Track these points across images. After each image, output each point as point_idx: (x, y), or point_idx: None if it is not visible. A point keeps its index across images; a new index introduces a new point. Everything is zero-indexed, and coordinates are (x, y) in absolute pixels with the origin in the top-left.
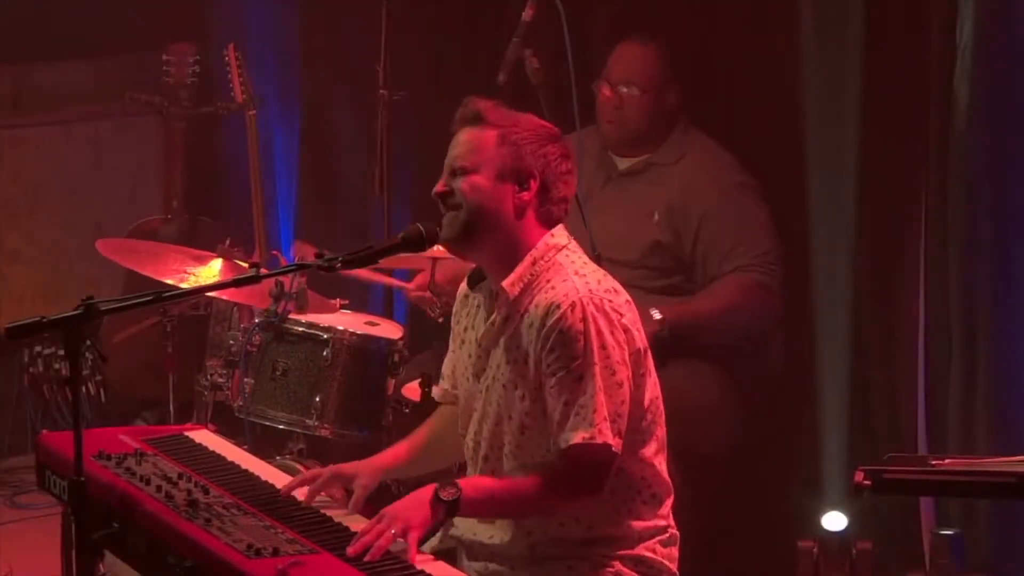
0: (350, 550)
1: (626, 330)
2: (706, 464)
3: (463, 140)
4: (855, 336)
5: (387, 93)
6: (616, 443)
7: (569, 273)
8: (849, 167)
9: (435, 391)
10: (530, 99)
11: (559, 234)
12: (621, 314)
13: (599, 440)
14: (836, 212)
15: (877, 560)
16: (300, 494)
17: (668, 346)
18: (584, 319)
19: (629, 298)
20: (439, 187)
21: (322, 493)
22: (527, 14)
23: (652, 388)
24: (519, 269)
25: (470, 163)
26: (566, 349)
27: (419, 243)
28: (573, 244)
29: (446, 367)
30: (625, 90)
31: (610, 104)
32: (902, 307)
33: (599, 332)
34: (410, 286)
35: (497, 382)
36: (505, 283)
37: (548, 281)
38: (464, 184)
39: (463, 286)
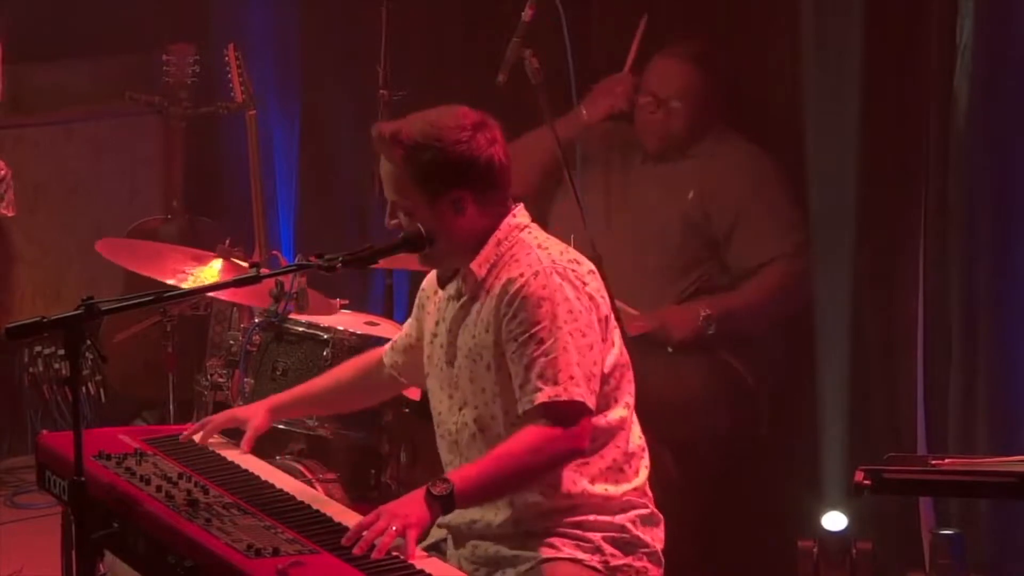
0: (355, 549)
1: (591, 296)
2: (703, 463)
3: (383, 172)
4: (855, 336)
5: (387, 93)
6: (590, 399)
7: (532, 247)
8: (849, 167)
9: (386, 355)
10: (530, 99)
11: (520, 214)
12: (585, 282)
13: (564, 397)
14: (836, 212)
15: (877, 560)
16: (197, 438)
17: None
18: (547, 286)
19: (593, 268)
20: (389, 220)
21: (321, 490)
22: (527, 14)
23: (617, 356)
24: (485, 251)
25: (400, 203)
26: (528, 314)
27: (419, 243)
28: (534, 225)
29: (400, 341)
30: (673, 104)
31: (656, 118)
32: (902, 307)
33: (565, 298)
34: None
35: (467, 360)
36: (473, 265)
37: (512, 257)
38: (407, 223)
39: (430, 280)
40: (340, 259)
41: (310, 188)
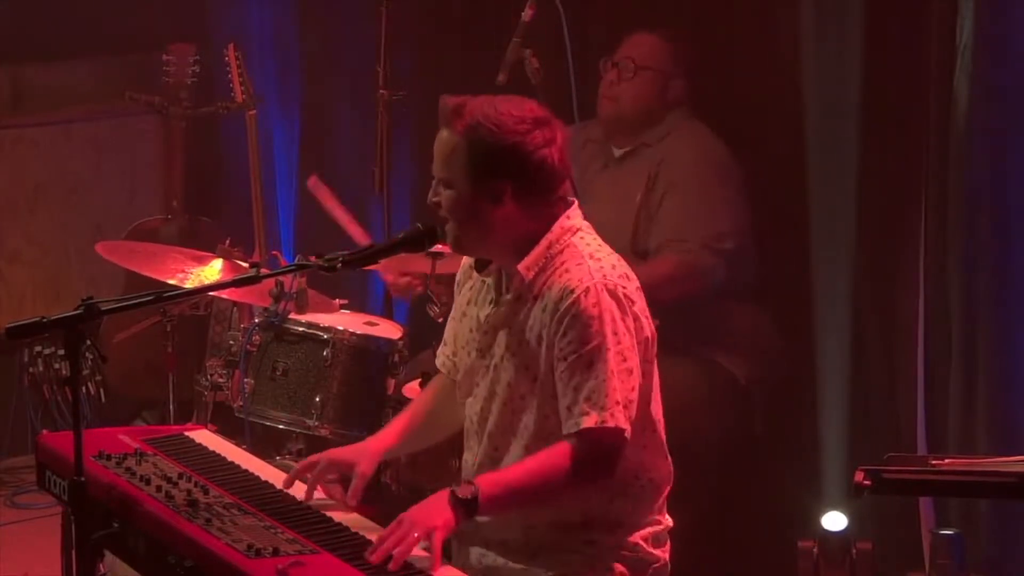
0: (372, 558)
1: (636, 318)
2: (702, 464)
3: (437, 143)
4: (855, 336)
5: (387, 93)
6: (628, 427)
7: (584, 256)
8: (849, 167)
9: (438, 358)
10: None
11: (574, 215)
12: (633, 301)
13: (611, 424)
14: (836, 212)
15: (877, 560)
16: (299, 489)
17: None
18: (598, 304)
19: (639, 284)
20: (431, 197)
21: (322, 492)
22: (527, 14)
23: (656, 376)
24: (535, 253)
25: (445, 175)
26: (578, 333)
27: (419, 243)
28: (587, 226)
29: (448, 333)
30: (625, 66)
31: (608, 80)
32: (902, 307)
33: (612, 318)
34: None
35: (507, 363)
36: (520, 266)
37: (562, 263)
38: (445, 199)
39: (467, 261)
40: (340, 259)
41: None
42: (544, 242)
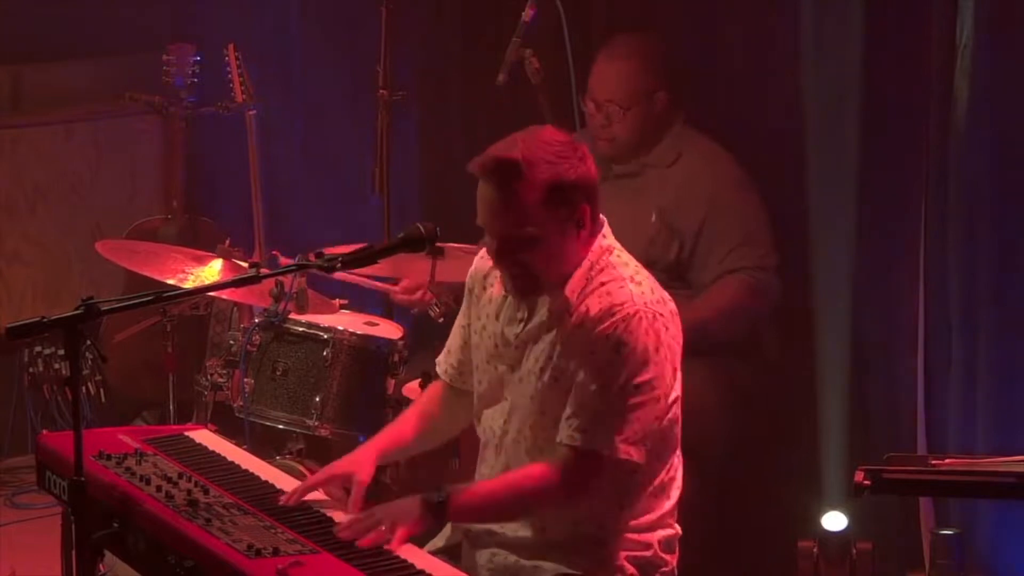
0: (342, 533)
1: (669, 346)
2: (702, 464)
3: (491, 204)
4: (855, 336)
5: (387, 93)
6: (639, 455)
7: (625, 279)
8: (849, 166)
9: (439, 365)
10: (530, 99)
11: (608, 235)
12: (667, 327)
13: (606, 452)
14: (836, 212)
15: (877, 560)
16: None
17: None
18: (634, 332)
19: (674, 307)
20: (502, 264)
21: (322, 492)
22: (527, 14)
23: (676, 390)
24: (578, 275)
25: (526, 233)
26: (608, 357)
27: (419, 243)
28: (618, 245)
29: (453, 341)
30: (610, 109)
31: (598, 122)
32: (902, 307)
33: (645, 347)
34: (396, 288)
35: (537, 378)
36: (567, 290)
37: (603, 284)
38: (534, 258)
39: (480, 263)
40: (340, 259)
41: (310, 188)
42: (586, 264)
